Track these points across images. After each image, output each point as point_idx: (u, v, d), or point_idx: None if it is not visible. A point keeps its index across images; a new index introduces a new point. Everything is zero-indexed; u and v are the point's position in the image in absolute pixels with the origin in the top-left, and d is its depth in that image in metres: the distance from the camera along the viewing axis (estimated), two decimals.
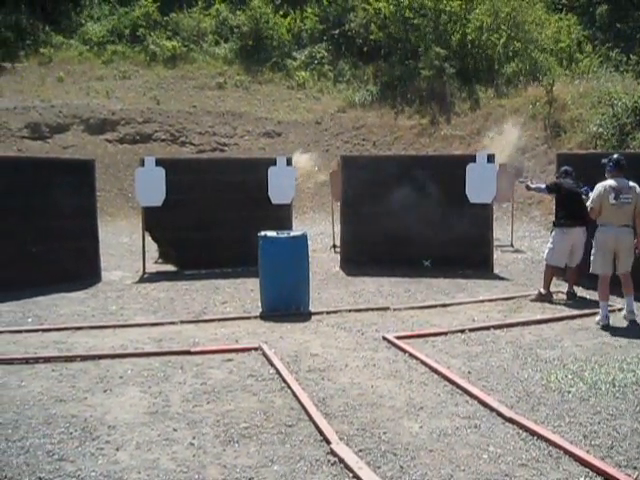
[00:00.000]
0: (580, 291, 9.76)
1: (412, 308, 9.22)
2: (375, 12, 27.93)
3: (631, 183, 8.30)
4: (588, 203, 8.50)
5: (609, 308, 8.43)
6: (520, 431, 5.13)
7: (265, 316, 8.89)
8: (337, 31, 29.36)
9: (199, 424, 5.43)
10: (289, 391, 6.05)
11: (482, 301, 9.58)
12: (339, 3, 29.85)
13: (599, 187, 8.35)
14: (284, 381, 6.29)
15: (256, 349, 7.37)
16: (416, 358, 6.88)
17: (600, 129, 19.07)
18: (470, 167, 11.63)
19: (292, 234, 9.32)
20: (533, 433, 5.05)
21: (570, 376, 6.31)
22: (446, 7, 26.67)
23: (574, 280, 9.71)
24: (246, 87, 27.20)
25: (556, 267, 9.61)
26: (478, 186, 11.50)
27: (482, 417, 5.41)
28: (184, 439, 5.16)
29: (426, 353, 7.07)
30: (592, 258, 8.54)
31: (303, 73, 28.07)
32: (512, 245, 14.34)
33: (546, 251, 9.79)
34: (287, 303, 8.97)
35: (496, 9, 26.63)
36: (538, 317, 8.60)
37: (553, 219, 10.05)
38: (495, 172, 11.72)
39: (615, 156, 8.57)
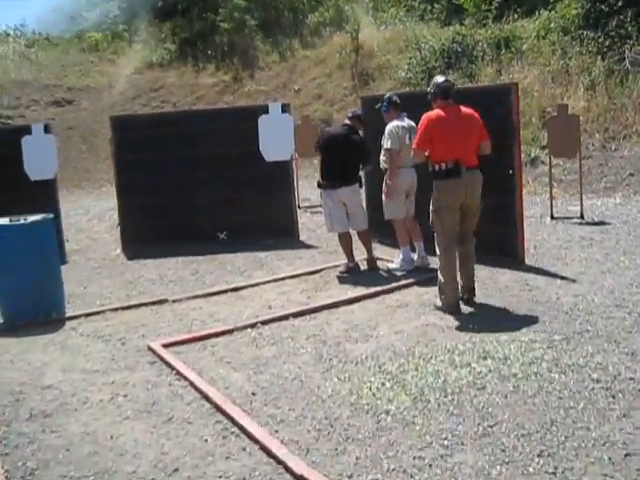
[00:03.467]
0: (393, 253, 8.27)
1: (196, 297, 7.31)
2: None
3: (409, 121, 7.51)
4: (387, 146, 7.42)
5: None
6: None
7: (3, 330, 6.70)
8: None
9: None
10: None
11: (283, 279, 7.83)
12: None
13: (392, 129, 7.48)
14: None
15: None
16: (184, 378, 5.03)
17: (409, 74, 17.99)
18: (263, 119, 9.80)
19: (31, 219, 7.06)
20: None
21: (388, 384, 4.65)
22: None
23: (369, 244, 8.17)
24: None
25: (345, 234, 8.02)
26: (273, 141, 9.69)
27: (264, 475, 3.66)
28: None
29: (200, 367, 5.22)
30: (387, 204, 7.80)
31: (95, 34, 25.29)
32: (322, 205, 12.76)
33: (324, 220, 8.36)
34: (33, 310, 6.74)
35: None
36: (348, 295, 6.96)
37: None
38: (292, 124, 9.99)
39: (388, 95, 7.95)
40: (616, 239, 8.86)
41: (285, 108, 9.97)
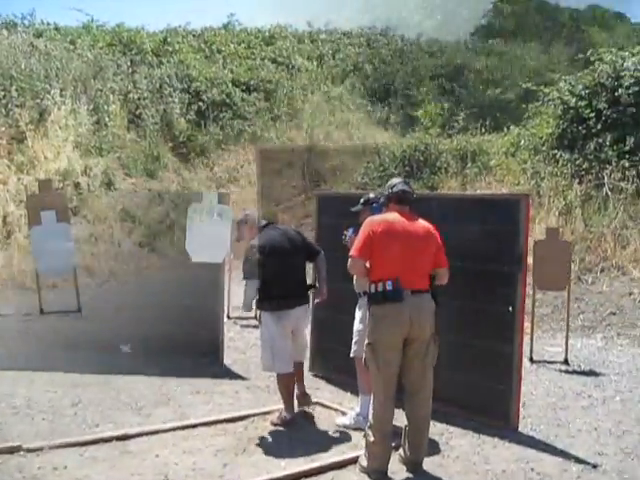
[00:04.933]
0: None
1: (62, 446, 5.11)
2: None
3: None
4: None
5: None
6: None
7: None
8: None
9: None
10: None
11: (194, 426, 5.68)
12: None
13: None
14: None
15: None
16: None
17: (365, 179, 16.53)
18: (193, 210, 7.82)
19: None
20: None
21: None
22: None
23: (302, 375, 6.19)
24: None
25: (289, 375, 5.90)
26: (205, 238, 7.74)
27: None
28: None
29: None
30: (360, 339, 5.59)
31: None
32: (256, 317, 10.67)
33: (260, 355, 6.05)
34: None
35: None
36: (282, 469, 4.78)
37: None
38: (230, 218, 8.04)
39: (373, 195, 6.19)
40: (620, 398, 7.06)
41: (222, 199, 8.07)
